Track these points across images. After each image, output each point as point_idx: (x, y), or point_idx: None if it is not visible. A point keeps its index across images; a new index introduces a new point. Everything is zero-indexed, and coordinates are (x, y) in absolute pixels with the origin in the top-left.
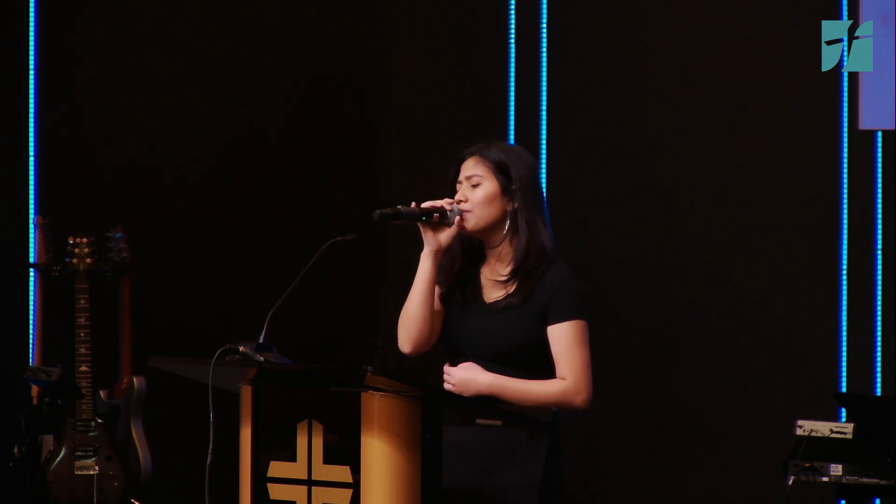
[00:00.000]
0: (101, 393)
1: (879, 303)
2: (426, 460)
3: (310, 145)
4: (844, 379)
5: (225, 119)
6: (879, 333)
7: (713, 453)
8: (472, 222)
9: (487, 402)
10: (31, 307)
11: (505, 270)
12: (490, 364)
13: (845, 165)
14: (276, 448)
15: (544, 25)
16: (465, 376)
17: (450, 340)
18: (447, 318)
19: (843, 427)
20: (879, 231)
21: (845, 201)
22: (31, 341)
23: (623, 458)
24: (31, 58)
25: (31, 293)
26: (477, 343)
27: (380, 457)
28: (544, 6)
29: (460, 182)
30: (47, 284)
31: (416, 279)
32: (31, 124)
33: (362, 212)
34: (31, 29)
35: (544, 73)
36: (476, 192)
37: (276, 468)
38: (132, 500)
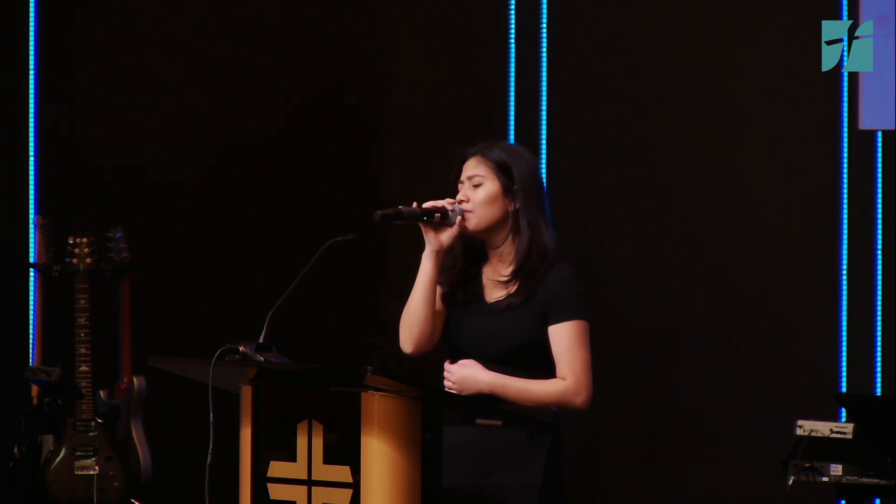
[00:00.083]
0: (101, 393)
1: (879, 303)
2: (426, 460)
3: (310, 145)
4: (844, 379)
5: (225, 119)
6: (879, 333)
7: (713, 453)
8: (473, 222)
9: (487, 402)
10: (31, 307)
11: (506, 270)
12: (491, 364)
13: (845, 165)
14: (276, 448)
15: (544, 25)
16: (466, 374)
17: (451, 340)
18: (449, 317)
19: (843, 427)
20: (879, 231)
21: (845, 201)
22: (31, 341)
23: (623, 458)
24: (31, 58)
25: (31, 293)
26: (478, 343)
27: (380, 457)
28: (544, 6)
29: (462, 182)
30: (47, 284)
31: (418, 279)
32: (31, 124)
33: (362, 212)
34: (31, 29)
35: (544, 73)
36: (478, 192)
37: (276, 468)
38: (132, 500)
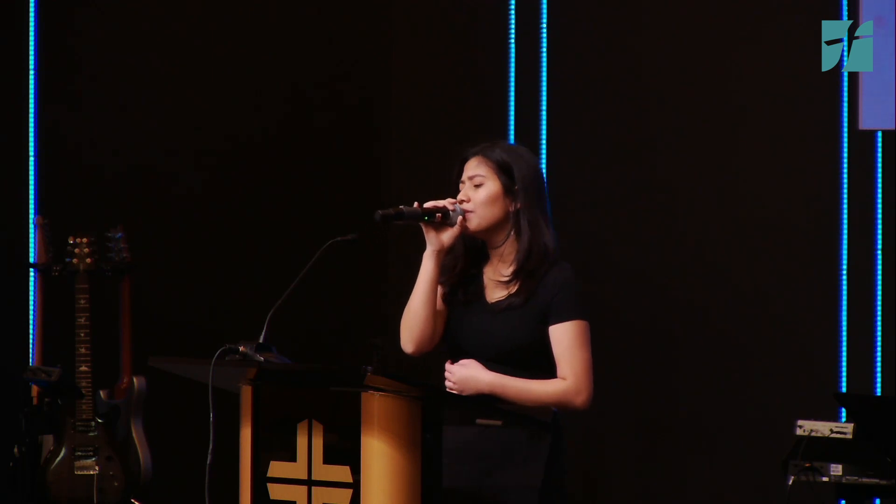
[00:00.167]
0: (101, 393)
1: (879, 303)
2: (426, 460)
3: (310, 145)
4: (844, 379)
5: (225, 119)
6: (879, 333)
7: (713, 453)
8: (474, 223)
9: (487, 402)
10: (31, 307)
11: (507, 271)
12: (492, 364)
13: (845, 165)
14: (276, 448)
15: (544, 25)
16: (466, 374)
17: (452, 340)
18: (449, 317)
19: (843, 427)
20: (879, 231)
21: (845, 201)
22: (31, 341)
23: (623, 458)
24: (31, 58)
25: (31, 293)
26: (479, 343)
27: (380, 457)
28: (544, 6)
29: (463, 182)
30: (47, 284)
31: (419, 279)
32: (31, 124)
33: (362, 212)
34: (31, 29)
35: (544, 73)
36: (478, 192)
37: (276, 468)
38: (132, 500)
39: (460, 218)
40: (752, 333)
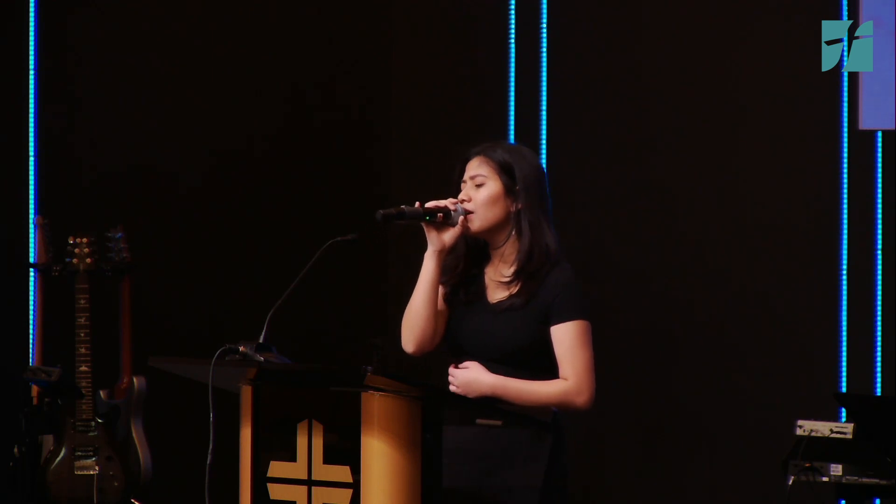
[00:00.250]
0: (101, 393)
1: (879, 303)
2: (426, 460)
3: (310, 145)
4: (844, 379)
5: (225, 119)
6: (879, 333)
7: (713, 453)
8: (475, 223)
9: (488, 402)
10: (31, 307)
11: (508, 271)
12: (493, 364)
13: (845, 165)
14: (276, 448)
15: (544, 25)
16: (469, 378)
17: (453, 340)
18: (451, 318)
19: (843, 427)
20: (879, 231)
21: (845, 201)
22: (31, 341)
23: (623, 458)
24: (31, 58)
25: (31, 293)
26: (480, 343)
27: (380, 457)
28: (544, 6)
29: (464, 181)
30: (47, 284)
31: (420, 279)
32: (31, 124)
33: (362, 212)
34: (31, 29)
35: (544, 73)
36: (480, 192)
37: (276, 468)
38: (132, 500)
39: (462, 218)
40: (752, 333)
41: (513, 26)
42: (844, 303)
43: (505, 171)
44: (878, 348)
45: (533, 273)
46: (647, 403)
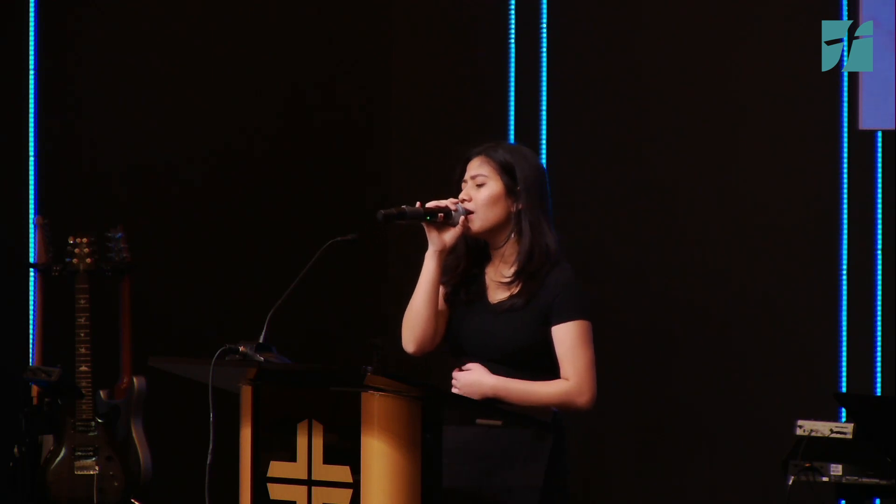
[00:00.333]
0: (101, 393)
1: (879, 303)
2: (426, 460)
3: (310, 145)
4: (844, 379)
5: (225, 119)
6: (879, 333)
7: (713, 453)
8: (476, 223)
9: (488, 403)
10: (31, 307)
11: (509, 271)
12: (494, 365)
13: (845, 165)
14: (276, 448)
15: (544, 25)
16: (471, 380)
17: (454, 341)
18: (451, 318)
19: (843, 427)
20: (879, 231)
21: (845, 201)
22: (31, 341)
23: (623, 458)
24: (31, 58)
25: (31, 293)
26: (481, 343)
27: (380, 457)
28: (544, 6)
29: (465, 181)
30: (47, 284)
31: (421, 279)
32: (31, 124)
33: (362, 212)
34: (31, 29)
35: (544, 73)
36: (480, 192)
37: (276, 468)
38: (132, 500)
39: (462, 218)
40: (752, 333)
41: (513, 26)
42: (844, 303)
43: (506, 172)
44: (878, 348)
45: (533, 273)
46: (647, 403)
